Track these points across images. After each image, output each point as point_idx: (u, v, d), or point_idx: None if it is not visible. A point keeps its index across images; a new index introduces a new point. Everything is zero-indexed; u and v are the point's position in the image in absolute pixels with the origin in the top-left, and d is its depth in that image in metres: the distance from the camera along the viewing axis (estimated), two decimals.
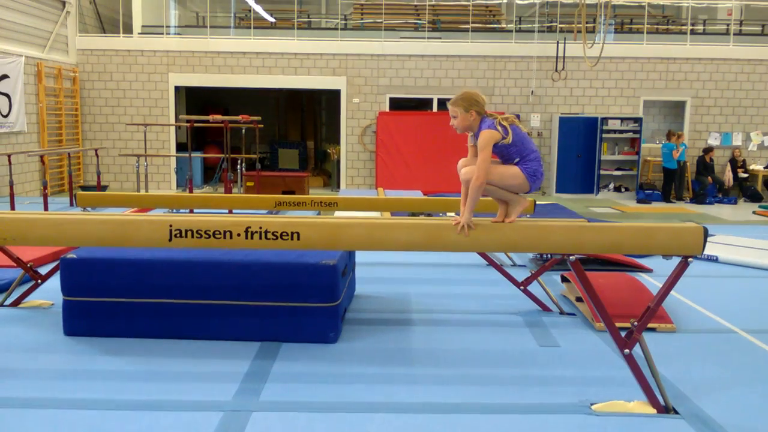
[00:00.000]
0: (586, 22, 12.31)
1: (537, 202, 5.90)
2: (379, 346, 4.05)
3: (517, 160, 3.34)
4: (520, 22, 14.87)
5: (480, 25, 14.65)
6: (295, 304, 4.02)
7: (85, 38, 13.51)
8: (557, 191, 13.45)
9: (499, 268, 4.98)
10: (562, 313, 4.74)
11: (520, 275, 5.17)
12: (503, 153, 3.36)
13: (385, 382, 3.48)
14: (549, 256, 5.74)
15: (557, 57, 13.17)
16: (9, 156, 9.23)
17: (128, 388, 3.35)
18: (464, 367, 3.72)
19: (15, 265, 4.78)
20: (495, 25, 15.17)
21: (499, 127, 3.26)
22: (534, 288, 4.93)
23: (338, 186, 13.91)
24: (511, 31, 14.08)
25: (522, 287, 4.81)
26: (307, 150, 16.87)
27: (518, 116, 13.34)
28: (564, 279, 5.25)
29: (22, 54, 11.53)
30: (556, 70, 13.23)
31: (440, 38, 13.80)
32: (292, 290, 4.02)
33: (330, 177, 15.03)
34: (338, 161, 14.00)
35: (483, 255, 5.11)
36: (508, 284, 5.03)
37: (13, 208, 8.95)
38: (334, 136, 15.30)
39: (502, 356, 3.92)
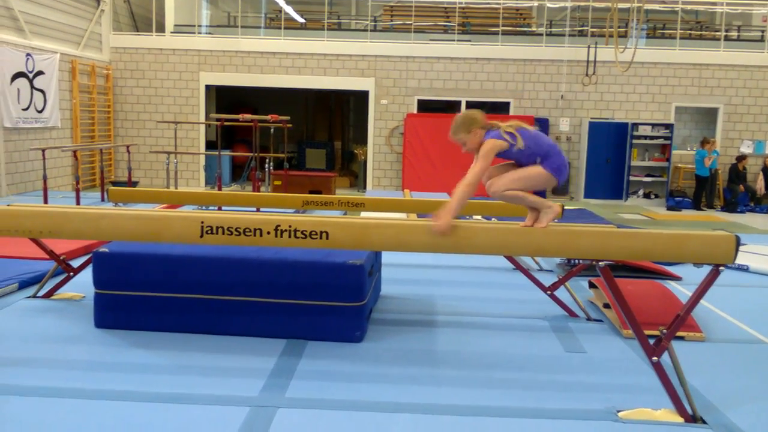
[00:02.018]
0: (618, 27, 12.20)
1: (565, 207, 5.87)
2: (404, 346, 4.06)
3: (538, 160, 3.32)
4: (551, 26, 14.78)
5: (510, 28, 14.59)
6: (322, 303, 4.05)
7: (118, 36, 13.73)
8: (585, 196, 13.34)
9: (526, 273, 4.96)
10: (589, 319, 4.70)
11: (547, 280, 5.15)
12: (520, 158, 3.34)
13: (410, 383, 3.49)
14: (576, 261, 5.70)
15: (588, 61, 13.08)
16: (43, 151, 9.41)
17: (157, 381, 3.40)
18: (489, 371, 3.71)
19: (48, 257, 4.87)
20: (525, 29, 15.10)
21: (505, 135, 3.25)
22: (561, 293, 4.90)
23: (364, 187, 13.94)
24: (542, 34, 14.00)
25: (549, 292, 4.78)
26: (335, 150, 16.94)
27: (541, 120, 13.26)
28: (591, 285, 5.21)
29: (57, 51, 11.75)
30: (587, 75, 13.13)
31: (470, 41, 13.78)
32: (318, 289, 4.04)
33: (356, 178, 15.08)
34: (365, 162, 14.04)
35: (510, 258, 5.09)
36: (534, 289, 5.00)
37: (46, 201, 9.12)
38: (361, 136, 15.35)
39: (527, 361, 3.90)
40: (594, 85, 13.27)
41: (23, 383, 3.31)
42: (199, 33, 14.32)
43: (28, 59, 10.87)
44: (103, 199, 10.42)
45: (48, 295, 4.82)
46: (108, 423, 2.93)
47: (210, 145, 14.00)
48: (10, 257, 5.71)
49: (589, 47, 13.04)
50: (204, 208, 7.43)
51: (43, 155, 9.42)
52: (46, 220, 3.33)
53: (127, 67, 13.67)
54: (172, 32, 13.93)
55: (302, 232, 3.27)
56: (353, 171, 15.97)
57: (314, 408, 3.14)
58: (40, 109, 11.30)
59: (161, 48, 13.61)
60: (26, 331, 4.13)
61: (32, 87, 11.05)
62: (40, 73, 11.24)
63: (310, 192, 10.92)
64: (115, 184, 12.69)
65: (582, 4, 14.08)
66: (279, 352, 3.87)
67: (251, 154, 11.15)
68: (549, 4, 14.52)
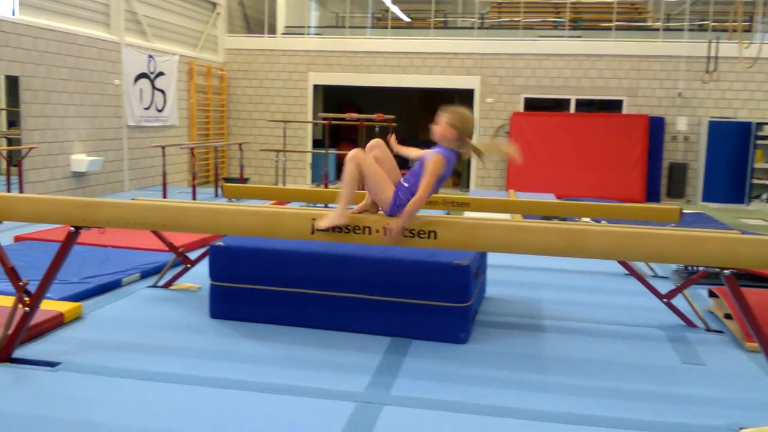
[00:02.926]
0: (743, 21, 11.47)
1: (683, 211, 5.58)
2: (510, 350, 3.98)
3: (406, 184, 3.34)
4: (668, 20, 14.10)
5: (624, 23, 14.03)
6: (427, 303, 4.03)
7: (232, 38, 14.28)
8: (703, 200, 12.65)
9: (641, 278, 4.74)
10: (708, 329, 4.44)
11: (663, 287, 4.91)
12: (412, 177, 3.36)
13: (516, 388, 3.42)
14: (695, 268, 5.40)
15: (708, 57, 12.37)
16: (163, 148, 9.93)
17: (267, 372, 3.49)
18: (599, 379, 3.57)
19: (168, 249, 5.12)
20: (640, 23, 14.48)
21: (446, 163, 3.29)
22: (677, 301, 4.66)
23: (468, 186, 13.84)
24: (658, 29, 13.38)
25: (665, 300, 4.55)
26: None
27: (657, 119, 12.69)
28: (711, 294, 4.92)
29: (176, 53, 12.37)
30: (707, 71, 12.43)
31: (581, 37, 13.37)
32: (424, 288, 4.03)
33: (459, 177, 14.98)
34: (468, 161, 13.90)
35: (623, 263, 4.88)
36: (648, 296, 4.79)
37: (165, 196, 9.61)
38: None
39: (640, 371, 3.73)
40: (715, 82, 12.54)
41: (143, 368, 3.48)
42: (308, 34, 14.66)
43: (150, 61, 11.50)
44: (216, 195, 10.85)
45: (167, 285, 5.07)
46: (221, 410, 3.04)
47: (316, 143, 14.31)
48: (134, 248, 6.05)
49: (710, 42, 12.33)
50: (312, 205, 7.59)
51: (163, 152, 9.93)
52: (169, 214, 3.49)
53: (240, 68, 14.19)
54: (282, 33, 14.34)
55: (410, 231, 3.27)
56: (456, 170, 15.85)
57: (419, 407, 3.13)
58: (160, 108, 11.93)
59: (272, 49, 14.04)
60: (146, 319, 4.35)
61: (153, 87, 11.68)
62: (160, 74, 11.86)
63: None
64: (227, 180, 13.21)
65: None
66: (384, 349, 3.89)
67: None
68: None
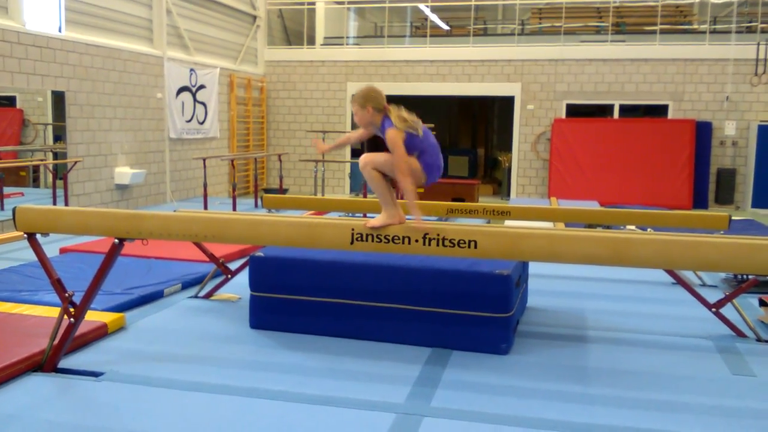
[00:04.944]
0: None
1: (732, 218, 5.41)
2: (553, 361, 3.90)
3: (416, 153, 3.36)
4: (715, 23, 13.79)
5: (669, 27, 13.75)
6: (468, 313, 3.98)
7: (272, 50, 14.44)
8: (753, 206, 12.27)
9: (688, 287, 4.60)
10: (759, 340, 4.29)
11: (711, 296, 4.77)
12: (408, 145, 3.36)
13: (559, 400, 3.34)
14: (745, 276, 5.23)
15: (757, 59, 12.04)
16: (204, 160, 10.06)
17: (307, 383, 3.49)
18: (646, 391, 3.47)
19: (209, 260, 5.17)
20: (686, 26, 14.19)
21: (399, 125, 3.33)
22: (727, 311, 4.51)
23: (508, 194, 13.70)
24: (705, 32, 13.08)
25: (714, 309, 4.41)
26: (478, 157, 16.78)
27: (704, 123, 12.39)
28: (762, 303, 4.76)
29: (217, 66, 12.55)
30: (756, 74, 12.09)
31: (624, 41, 13.15)
32: (464, 298, 3.98)
33: (500, 185, 14.84)
34: (509, 169, 13.80)
35: (670, 272, 4.75)
36: (696, 305, 4.65)
37: (206, 207, 9.74)
38: (505, 143, 15.10)
39: (689, 382, 3.61)
40: (764, 85, 12.19)
41: (184, 378, 3.51)
42: (347, 44, 14.74)
43: (191, 74, 11.70)
44: (256, 205, 10.95)
45: (208, 295, 5.12)
46: (261, 421, 3.04)
47: (355, 153, 14.33)
48: (175, 259, 6.13)
49: (758, 44, 11.99)
50: (351, 215, 7.60)
51: (204, 164, 10.06)
52: (210, 226, 3.52)
53: (279, 79, 14.34)
54: (321, 45, 14.44)
55: (450, 241, 3.24)
56: (496, 178, 15.74)
57: (460, 419, 3.08)
58: (201, 120, 12.11)
59: (311, 60, 14.15)
60: (187, 329, 4.39)
61: (195, 100, 11.87)
62: (201, 87, 12.05)
63: (453, 200, 10.88)
64: (267, 191, 13.33)
65: None
66: (424, 360, 3.85)
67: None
68: (713, 0, 13.55)
